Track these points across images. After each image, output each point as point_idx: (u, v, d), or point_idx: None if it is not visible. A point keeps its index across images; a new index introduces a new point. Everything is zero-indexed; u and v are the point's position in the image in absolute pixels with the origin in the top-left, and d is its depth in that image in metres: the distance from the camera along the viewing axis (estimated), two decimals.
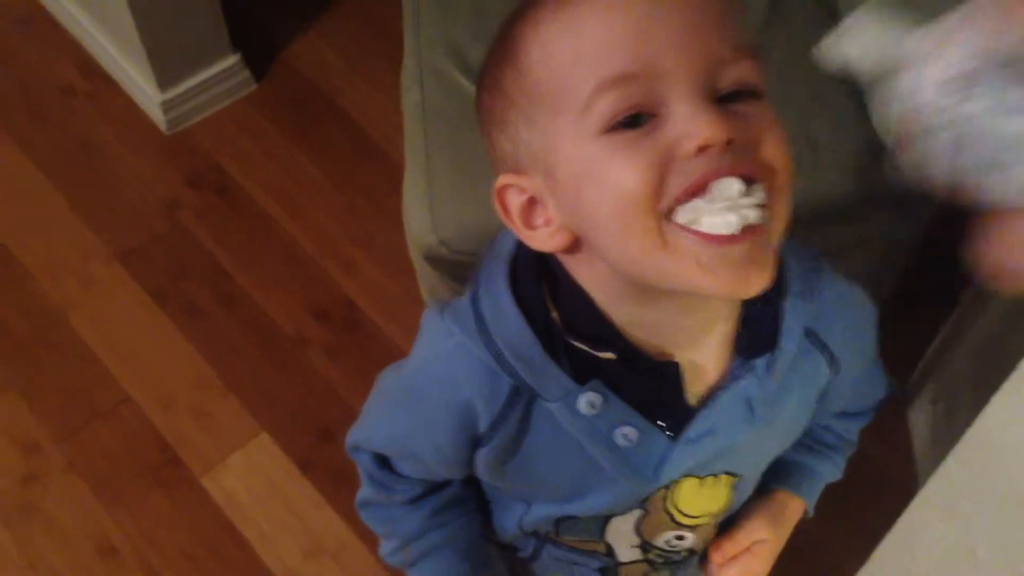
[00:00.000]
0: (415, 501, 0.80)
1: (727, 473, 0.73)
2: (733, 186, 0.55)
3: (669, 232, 0.56)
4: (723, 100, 0.56)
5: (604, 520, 0.74)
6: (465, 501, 0.82)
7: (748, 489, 0.79)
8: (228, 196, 1.84)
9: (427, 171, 1.18)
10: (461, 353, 0.66)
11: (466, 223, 1.12)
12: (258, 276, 1.75)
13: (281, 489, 1.55)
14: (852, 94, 1.23)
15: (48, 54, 2.00)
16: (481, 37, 1.26)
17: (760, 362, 0.67)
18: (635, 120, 0.56)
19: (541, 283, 0.65)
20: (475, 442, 0.69)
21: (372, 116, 1.93)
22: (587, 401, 0.64)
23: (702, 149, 0.55)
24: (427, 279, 1.24)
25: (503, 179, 0.62)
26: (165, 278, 1.74)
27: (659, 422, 0.67)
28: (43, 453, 1.57)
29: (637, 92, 0.55)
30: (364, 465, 0.80)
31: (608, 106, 0.56)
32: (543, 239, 0.62)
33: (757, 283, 0.57)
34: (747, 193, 0.56)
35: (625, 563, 0.78)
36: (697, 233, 0.56)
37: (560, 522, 0.76)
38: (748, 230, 0.56)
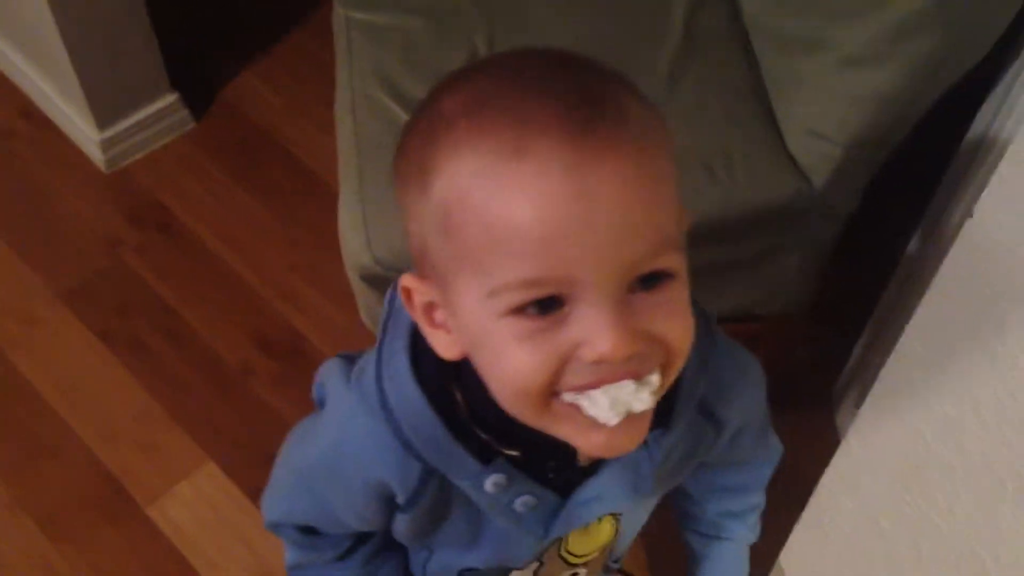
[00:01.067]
0: (345, 555, 0.83)
1: (611, 515, 0.77)
2: (625, 389, 0.57)
3: (554, 404, 0.58)
4: (638, 283, 0.56)
5: (504, 572, 0.78)
6: (392, 545, 0.84)
7: (636, 521, 0.83)
8: (170, 233, 1.87)
9: (360, 194, 1.23)
10: (370, 435, 0.67)
11: (399, 242, 1.16)
12: (202, 310, 1.78)
13: (229, 517, 1.56)
14: (764, 113, 1.31)
15: None
16: (411, 65, 1.31)
17: (651, 435, 0.67)
18: (541, 307, 0.55)
19: (444, 364, 0.64)
20: (394, 511, 0.72)
21: (312, 151, 1.98)
22: (493, 483, 0.66)
23: (601, 361, 0.56)
24: (365, 299, 1.28)
25: (406, 281, 0.62)
26: (109, 315, 1.76)
27: (551, 482, 0.69)
28: None
29: (546, 290, 0.55)
30: (287, 536, 0.83)
31: (515, 298, 0.55)
32: (443, 343, 0.62)
33: (631, 447, 0.61)
34: (639, 389, 0.57)
35: None
36: (579, 412, 0.58)
37: (461, 574, 0.79)
38: (630, 417, 0.58)
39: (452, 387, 0.66)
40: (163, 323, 1.76)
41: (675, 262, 0.57)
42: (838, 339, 1.65)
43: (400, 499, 0.69)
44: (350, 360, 0.73)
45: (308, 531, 0.81)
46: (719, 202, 1.25)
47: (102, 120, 1.87)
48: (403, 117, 1.26)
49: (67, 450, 1.62)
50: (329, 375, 0.74)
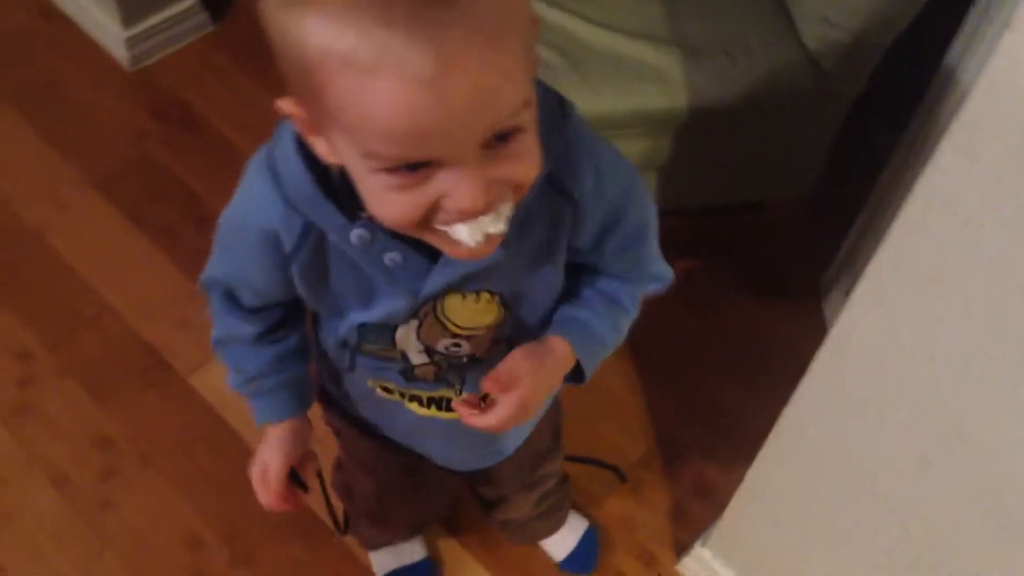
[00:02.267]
0: (259, 340, 0.95)
1: (488, 291, 0.86)
2: (482, 221, 0.68)
3: (423, 227, 0.69)
4: (493, 139, 0.64)
5: (392, 330, 0.89)
6: (303, 352, 0.98)
7: (527, 313, 0.90)
8: (193, 127, 1.95)
9: None
10: (262, 194, 0.78)
11: None
12: (229, 198, 1.86)
13: None
14: (780, 9, 1.43)
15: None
16: None
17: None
18: (410, 167, 0.64)
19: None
20: (285, 263, 0.83)
21: None
22: (357, 235, 0.77)
23: (462, 212, 0.66)
24: None
25: (284, 106, 0.68)
26: (139, 201, 1.85)
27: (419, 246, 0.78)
28: (35, 359, 1.66)
29: (415, 153, 0.63)
30: (214, 304, 0.94)
31: (386, 163, 0.64)
32: (323, 150, 0.70)
33: (489, 253, 0.71)
34: (495, 219, 0.68)
35: (417, 365, 0.93)
36: (445, 234, 0.69)
37: (360, 330, 0.89)
38: (488, 238, 0.69)
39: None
40: (191, 210, 1.85)
41: (526, 118, 0.65)
42: (829, 233, 1.79)
43: (287, 247, 0.80)
44: (261, 148, 0.84)
45: (230, 302, 0.93)
46: (739, 85, 1.38)
47: (128, 18, 1.94)
48: None
49: (107, 324, 1.71)
50: (248, 162, 0.85)
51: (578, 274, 0.94)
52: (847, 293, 1.50)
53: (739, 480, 1.33)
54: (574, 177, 0.80)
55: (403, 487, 1.21)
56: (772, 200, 1.60)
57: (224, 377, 1.62)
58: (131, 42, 1.97)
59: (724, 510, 1.39)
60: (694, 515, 1.57)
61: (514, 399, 0.87)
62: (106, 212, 1.83)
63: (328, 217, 0.77)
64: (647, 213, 0.90)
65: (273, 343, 0.96)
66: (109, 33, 1.98)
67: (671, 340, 1.71)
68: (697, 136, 1.39)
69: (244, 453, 1.60)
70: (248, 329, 0.94)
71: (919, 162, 1.41)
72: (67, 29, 2.05)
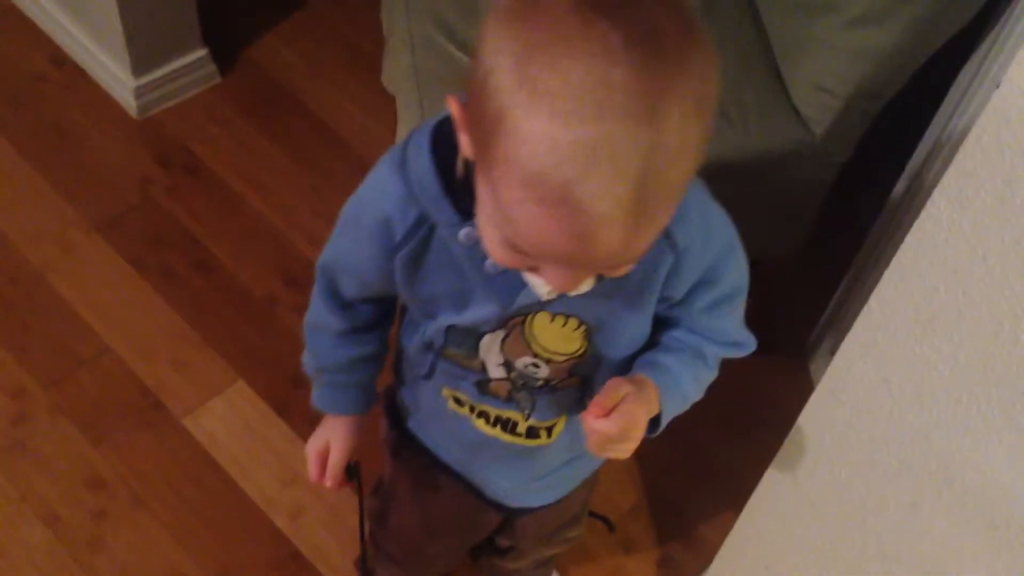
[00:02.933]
0: (344, 336, 1.01)
1: (576, 317, 0.89)
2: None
3: None
4: None
5: (478, 337, 0.92)
6: (379, 360, 1.05)
7: (610, 351, 0.93)
8: (198, 176, 1.99)
9: (422, 120, 1.38)
10: (387, 181, 0.83)
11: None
12: (229, 246, 1.90)
13: (258, 429, 1.69)
14: (775, 75, 1.49)
15: (20, 47, 2.12)
16: (465, 13, 1.47)
17: None
18: None
19: (457, 146, 0.77)
20: (393, 252, 0.87)
21: (331, 111, 2.12)
22: (465, 234, 0.82)
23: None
24: None
25: (454, 106, 0.72)
26: (142, 246, 1.87)
27: None
28: (30, 397, 1.67)
29: (538, 260, 0.71)
30: (317, 288, 1.00)
31: (510, 251, 0.71)
32: (464, 145, 0.73)
33: (581, 290, 0.78)
34: (578, 287, 0.76)
35: (493, 379, 0.97)
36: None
37: (448, 332, 0.93)
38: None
39: (456, 163, 0.81)
40: (193, 255, 1.88)
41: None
42: (816, 294, 1.84)
43: (397, 235, 0.85)
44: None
45: (332, 293, 0.98)
46: (733, 145, 1.43)
47: (138, 67, 1.98)
48: (456, 54, 1.42)
49: (104, 364, 1.73)
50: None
51: (665, 327, 0.96)
52: (832, 352, 1.54)
53: (727, 530, 1.35)
54: (684, 227, 0.82)
55: (444, 517, 1.20)
56: (763, 259, 1.64)
57: (218, 420, 1.65)
58: (140, 91, 2.01)
59: (713, 560, 1.41)
60: (683, 566, 1.59)
61: (619, 421, 0.86)
62: (109, 255, 1.85)
63: (443, 212, 0.82)
64: (743, 280, 0.95)
65: (356, 343, 1.02)
66: (119, 82, 2.02)
67: None
68: None
69: (235, 495, 1.62)
70: (338, 323, 1.00)
71: (904, 224, 1.46)
72: (78, 77, 2.09)
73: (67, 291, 1.80)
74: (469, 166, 0.77)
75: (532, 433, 1.02)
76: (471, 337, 0.93)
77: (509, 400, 0.98)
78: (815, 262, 1.81)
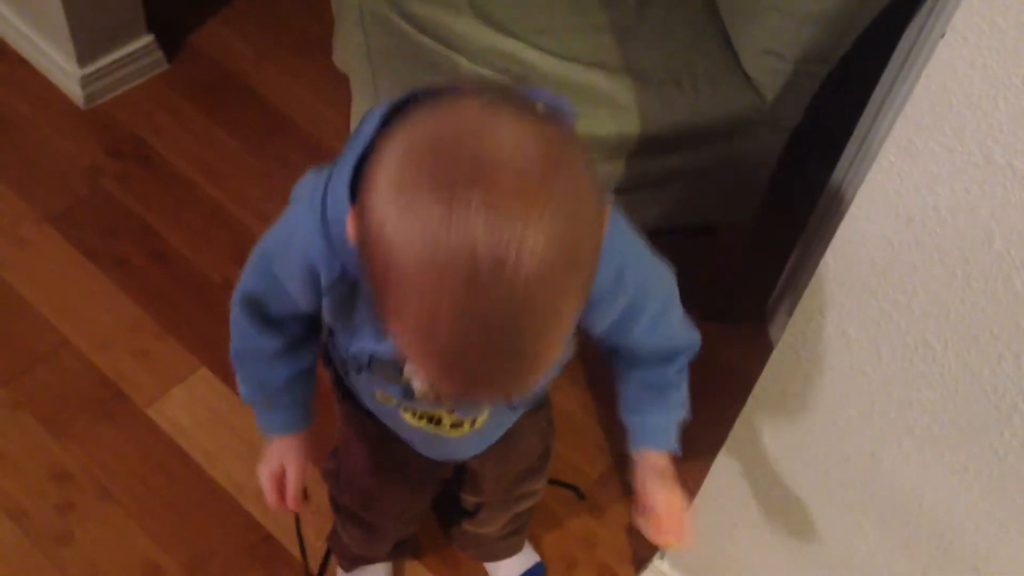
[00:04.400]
0: (279, 356, 1.01)
1: None
2: None
3: None
4: None
5: (401, 366, 0.94)
6: (313, 370, 1.06)
7: None
8: (148, 164, 1.96)
9: (376, 99, 1.38)
10: (311, 235, 0.82)
11: None
12: (184, 234, 1.88)
13: (223, 416, 1.68)
14: (724, 41, 1.51)
15: None
16: None
17: None
18: None
19: None
20: (320, 292, 0.88)
21: (281, 95, 2.10)
22: None
23: None
24: None
25: (350, 226, 0.72)
26: (95, 237, 1.85)
27: None
28: None
29: None
30: (239, 319, 1.00)
31: None
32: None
33: None
34: None
35: (419, 390, 0.97)
36: None
37: (371, 357, 0.95)
38: None
39: None
40: (147, 244, 1.86)
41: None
42: (773, 259, 1.86)
43: (324, 282, 0.85)
44: (319, 172, 0.87)
45: (254, 317, 0.99)
46: (685, 112, 1.44)
47: (83, 56, 1.95)
48: (408, 30, 1.42)
49: (63, 357, 1.71)
50: (301, 183, 0.89)
51: (622, 365, 1.02)
52: (791, 314, 1.57)
53: (695, 492, 1.37)
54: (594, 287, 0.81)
55: (392, 460, 1.22)
56: (719, 225, 1.66)
57: (182, 408, 1.64)
58: (85, 80, 1.98)
59: None
60: None
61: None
62: (62, 248, 1.83)
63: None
64: (668, 289, 0.97)
65: (292, 360, 1.02)
66: (64, 71, 1.99)
67: None
68: (646, 160, 1.45)
69: (203, 483, 1.61)
70: (272, 344, 1.00)
71: (856, 182, 1.49)
72: (21, 68, 2.06)
73: (21, 286, 1.78)
74: None
75: (457, 425, 1.06)
76: (394, 366, 0.95)
77: (436, 403, 1.01)
78: (770, 229, 1.83)
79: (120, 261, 1.83)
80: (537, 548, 1.57)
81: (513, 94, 0.66)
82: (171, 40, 2.12)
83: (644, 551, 1.58)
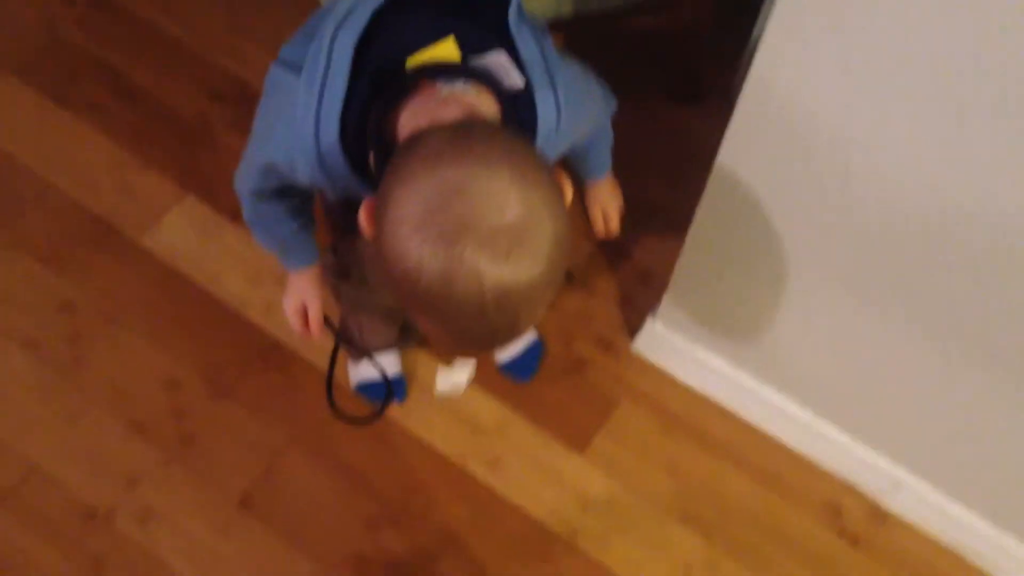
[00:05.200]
0: (288, 213, 1.17)
1: None
2: None
3: None
4: None
5: None
6: (312, 217, 1.22)
7: None
8: (104, 8, 1.95)
9: None
10: (301, 153, 0.93)
11: None
12: (149, 72, 1.88)
13: (217, 237, 1.72)
14: None
15: None
16: None
17: None
18: None
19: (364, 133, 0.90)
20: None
21: None
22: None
23: None
24: None
25: (363, 217, 0.86)
26: (63, 84, 1.85)
27: None
28: None
29: None
30: (246, 204, 1.15)
31: None
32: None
33: None
34: None
35: None
36: None
37: None
38: None
39: (370, 155, 0.93)
40: (115, 86, 1.86)
41: None
42: (737, 36, 1.89)
43: (319, 183, 0.97)
44: (288, 65, 0.95)
45: (265, 198, 1.13)
46: None
47: None
48: None
49: (51, 200, 1.73)
50: (276, 89, 0.98)
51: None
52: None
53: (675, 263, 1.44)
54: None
55: None
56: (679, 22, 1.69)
57: (174, 233, 1.69)
58: None
59: (667, 288, 1.51)
60: (642, 301, 1.69)
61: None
62: (31, 97, 1.83)
63: (356, 187, 0.94)
64: (601, 114, 1.20)
65: (297, 216, 1.19)
66: None
67: None
68: None
69: (206, 300, 1.66)
70: (279, 210, 1.16)
71: None
72: None
73: (3, 139, 1.78)
74: (378, 162, 0.91)
75: None
76: None
77: None
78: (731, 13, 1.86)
79: (91, 105, 1.83)
80: (535, 329, 1.65)
81: (485, 135, 0.82)
82: None
83: (636, 320, 1.66)
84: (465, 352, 0.85)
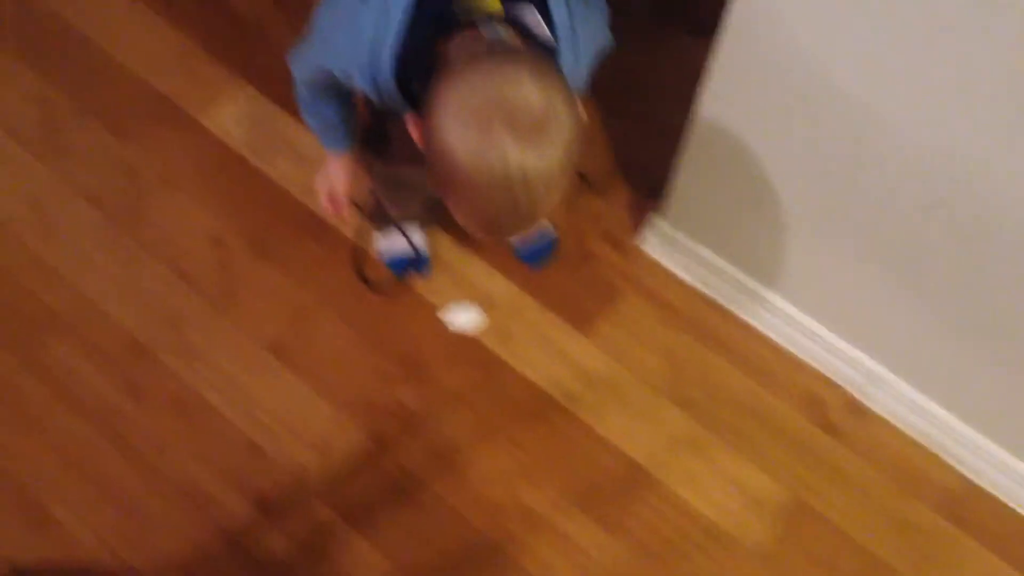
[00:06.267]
0: (335, 102, 1.33)
1: None
2: None
3: None
4: None
5: None
6: (355, 106, 1.37)
7: None
8: None
9: None
10: (356, 73, 1.11)
11: None
12: None
13: (268, 123, 1.87)
14: None
15: None
16: None
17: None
18: None
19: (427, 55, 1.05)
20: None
21: None
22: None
23: None
24: None
25: (411, 122, 1.04)
26: None
27: None
28: (56, 104, 1.85)
29: None
30: (301, 90, 1.32)
31: None
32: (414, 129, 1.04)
33: None
34: None
35: None
36: None
37: None
38: None
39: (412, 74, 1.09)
40: None
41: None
42: None
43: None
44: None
45: (319, 88, 1.30)
46: None
47: None
48: None
49: (121, 77, 1.90)
50: (338, 20, 1.15)
51: None
52: None
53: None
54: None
55: None
56: None
57: (231, 117, 1.84)
58: None
59: (671, 194, 1.64)
60: (651, 208, 1.82)
61: None
62: None
63: (399, 104, 1.12)
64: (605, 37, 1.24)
65: (345, 103, 1.35)
66: None
67: (622, 79, 1.94)
68: None
69: (253, 175, 1.83)
70: (329, 96, 1.32)
71: None
72: None
73: (81, 24, 1.95)
74: (421, 86, 1.03)
75: None
76: None
77: None
78: None
79: (167, 1, 2.01)
80: (552, 226, 1.79)
81: (517, 50, 1.01)
82: None
83: (643, 224, 1.79)
84: (490, 235, 0.98)
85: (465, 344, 1.70)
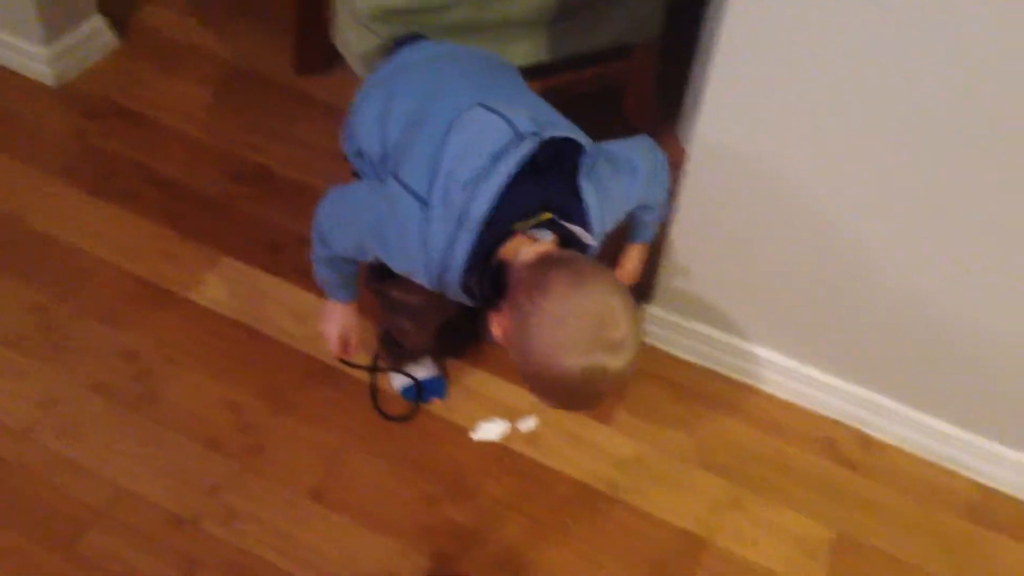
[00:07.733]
0: (348, 263, 1.49)
1: None
2: None
3: None
4: None
5: None
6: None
7: None
8: (126, 117, 2.22)
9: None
10: (420, 254, 1.27)
11: None
12: (174, 164, 2.14)
13: (257, 287, 1.93)
14: None
15: None
16: None
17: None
18: None
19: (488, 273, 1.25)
20: None
21: (228, 49, 2.39)
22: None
23: None
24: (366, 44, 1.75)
25: (497, 322, 1.24)
26: (99, 181, 2.09)
27: None
28: (49, 310, 1.86)
29: None
30: (319, 261, 1.50)
31: None
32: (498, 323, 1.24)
33: None
34: None
35: None
36: None
37: None
38: None
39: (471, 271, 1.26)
40: (146, 175, 2.10)
41: None
42: (682, 71, 2.24)
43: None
44: (410, 191, 1.28)
45: (338, 260, 1.48)
46: None
47: (47, 39, 2.20)
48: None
49: (102, 272, 1.94)
50: (394, 197, 1.30)
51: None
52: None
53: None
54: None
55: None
56: (634, 46, 2.04)
57: (217, 288, 1.93)
58: (52, 60, 2.22)
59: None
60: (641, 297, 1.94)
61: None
62: (73, 193, 2.05)
63: (459, 296, 1.32)
64: (648, 174, 1.43)
65: (353, 263, 1.51)
66: (29, 55, 2.23)
67: None
68: None
69: (254, 337, 1.87)
70: (346, 263, 1.50)
71: None
72: None
73: (48, 228, 1.99)
74: (484, 282, 1.25)
75: None
76: None
77: None
78: (676, 46, 2.20)
79: (126, 194, 2.07)
80: None
81: (595, 267, 1.19)
82: (119, 22, 2.39)
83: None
84: (564, 408, 1.31)
85: (497, 453, 1.75)
